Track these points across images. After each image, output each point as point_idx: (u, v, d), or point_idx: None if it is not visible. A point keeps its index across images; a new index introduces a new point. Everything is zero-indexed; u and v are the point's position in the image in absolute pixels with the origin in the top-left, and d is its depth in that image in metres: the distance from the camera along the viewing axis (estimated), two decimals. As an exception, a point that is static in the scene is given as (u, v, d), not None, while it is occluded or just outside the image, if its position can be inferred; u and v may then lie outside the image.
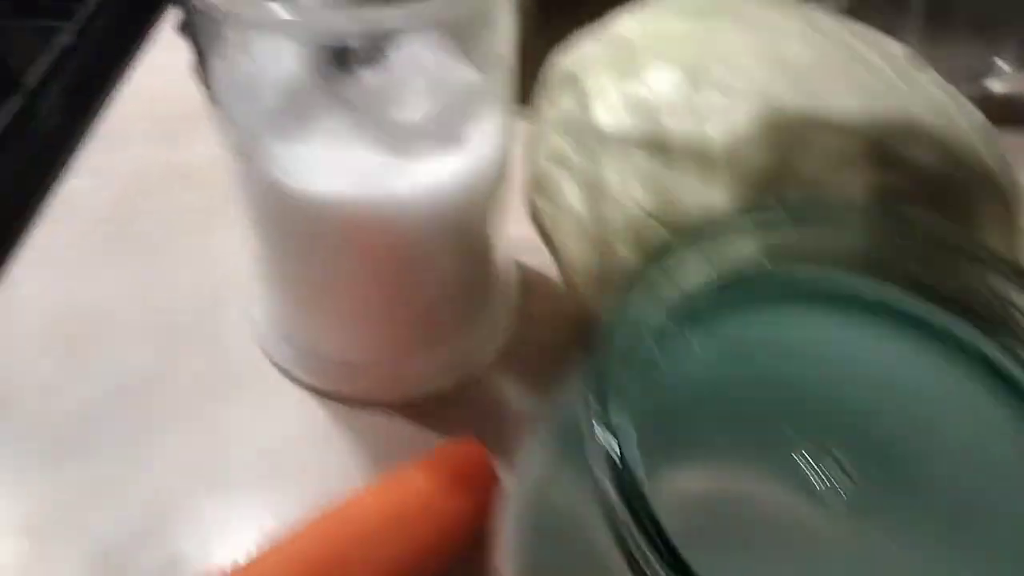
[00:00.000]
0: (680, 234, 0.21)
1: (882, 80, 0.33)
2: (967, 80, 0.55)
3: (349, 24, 0.28)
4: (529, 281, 0.45)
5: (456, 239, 0.36)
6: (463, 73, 0.33)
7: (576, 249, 0.35)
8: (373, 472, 0.38)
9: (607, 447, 0.18)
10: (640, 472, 0.18)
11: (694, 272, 0.22)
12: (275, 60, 0.33)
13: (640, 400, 0.20)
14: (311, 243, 0.34)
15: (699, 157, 0.31)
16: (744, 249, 0.24)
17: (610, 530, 0.18)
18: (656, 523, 0.17)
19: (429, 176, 0.33)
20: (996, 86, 0.57)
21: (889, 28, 0.53)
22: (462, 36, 0.33)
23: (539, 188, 0.37)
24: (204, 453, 0.39)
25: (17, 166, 0.50)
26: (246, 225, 0.38)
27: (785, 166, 0.31)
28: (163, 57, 0.60)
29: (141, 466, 0.38)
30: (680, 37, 0.34)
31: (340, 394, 0.40)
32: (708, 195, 0.31)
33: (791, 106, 0.31)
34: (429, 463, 0.34)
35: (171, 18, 0.62)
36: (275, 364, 0.41)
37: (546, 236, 0.38)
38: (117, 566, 0.35)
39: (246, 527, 0.36)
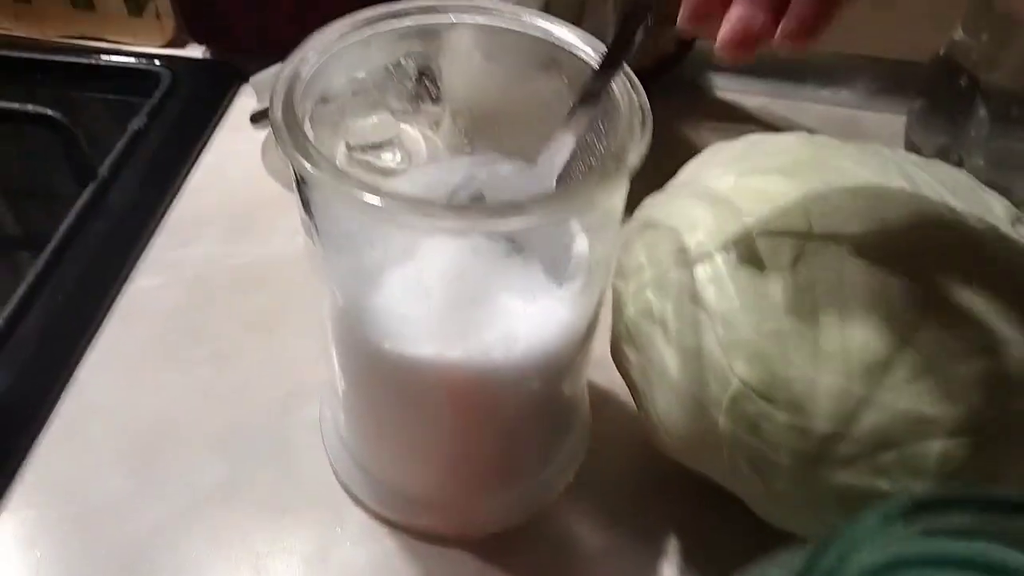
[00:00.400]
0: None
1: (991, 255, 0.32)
2: None
3: (464, 223, 0.28)
4: (600, 403, 0.45)
5: (546, 390, 0.36)
6: (579, 243, 0.33)
7: (667, 408, 0.35)
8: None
9: None
10: None
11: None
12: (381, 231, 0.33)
13: None
14: (401, 393, 0.34)
15: (808, 336, 0.31)
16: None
17: None
18: None
19: (531, 338, 0.32)
20: None
21: (965, 148, 0.53)
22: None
23: (628, 338, 0.36)
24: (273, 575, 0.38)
25: (89, 259, 0.51)
26: (333, 362, 0.38)
27: (897, 351, 0.30)
28: (235, 142, 0.60)
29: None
30: (784, 199, 0.34)
31: (409, 527, 0.40)
32: (816, 376, 0.31)
33: (902, 289, 0.31)
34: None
35: (244, 102, 0.63)
36: (346, 489, 0.41)
37: (631, 383, 0.37)
38: None
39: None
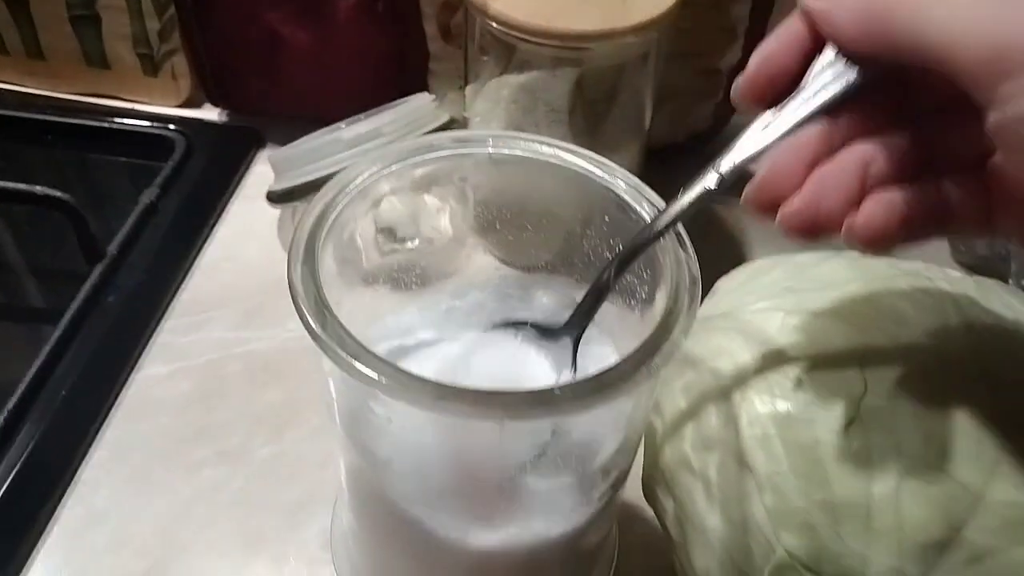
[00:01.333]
0: None
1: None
2: None
3: (478, 410, 0.25)
4: (627, 520, 0.42)
5: (575, 546, 0.34)
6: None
7: (704, 566, 0.33)
8: None
9: None
10: None
11: None
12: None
13: None
14: (416, 555, 0.32)
15: (862, 510, 0.29)
16: None
17: None
18: None
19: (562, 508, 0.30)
20: None
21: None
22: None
23: (664, 484, 0.34)
24: None
25: (95, 346, 0.49)
26: (344, 500, 0.36)
27: (954, 530, 0.28)
28: (251, 213, 0.58)
29: None
30: (837, 348, 0.32)
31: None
32: (867, 552, 0.29)
33: (964, 466, 0.29)
34: None
35: (261, 169, 0.61)
36: (355, 615, 0.39)
37: (664, 526, 0.36)
38: None
39: None
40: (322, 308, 0.26)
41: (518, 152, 0.32)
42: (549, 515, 0.31)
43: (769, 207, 0.25)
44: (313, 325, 0.26)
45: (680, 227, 0.29)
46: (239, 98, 0.65)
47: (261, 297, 0.53)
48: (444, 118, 0.52)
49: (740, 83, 0.26)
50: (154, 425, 0.47)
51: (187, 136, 0.62)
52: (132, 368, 0.49)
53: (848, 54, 0.25)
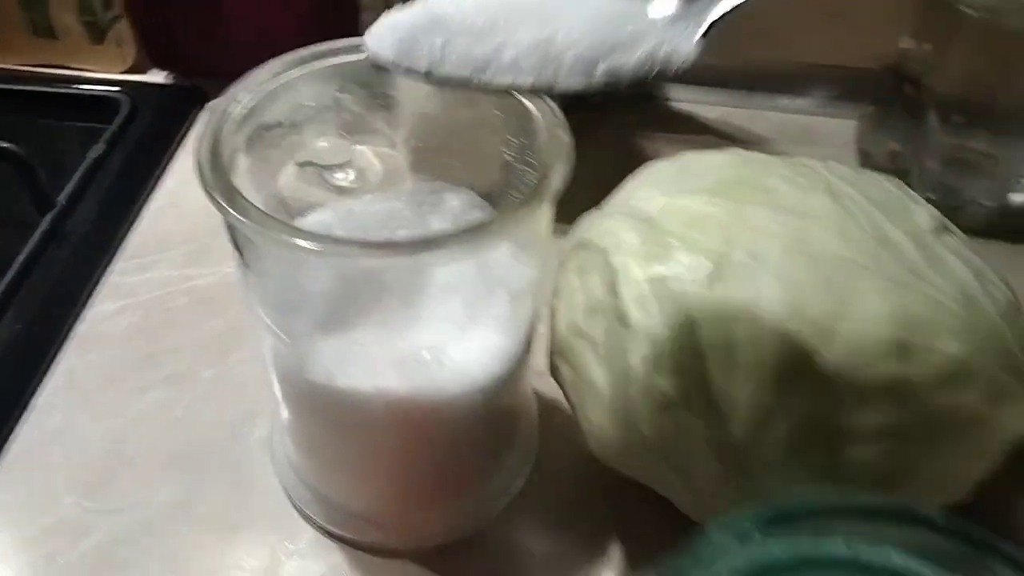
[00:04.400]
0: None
1: (908, 267, 0.34)
2: (991, 197, 0.57)
3: (388, 263, 0.29)
4: (548, 413, 0.46)
5: (485, 409, 0.37)
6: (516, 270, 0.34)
7: (598, 421, 0.36)
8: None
9: None
10: None
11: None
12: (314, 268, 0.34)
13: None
14: (338, 422, 0.35)
15: (724, 350, 0.32)
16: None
17: None
18: None
19: (470, 364, 0.34)
20: (1018, 199, 0.58)
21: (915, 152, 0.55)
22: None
23: (562, 354, 0.38)
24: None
25: (48, 287, 0.52)
26: (274, 389, 0.39)
27: (807, 360, 0.32)
28: (191, 172, 0.61)
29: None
30: (707, 221, 0.35)
31: (358, 542, 0.41)
32: (731, 387, 0.32)
33: (816, 303, 0.32)
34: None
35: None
36: (295, 506, 0.42)
37: (567, 396, 0.39)
38: None
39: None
40: (231, 189, 0.30)
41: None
42: (460, 360, 0.34)
43: None
44: (221, 200, 0.29)
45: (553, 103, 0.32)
46: (182, 60, 0.68)
47: (205, 239, 0.56)
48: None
49: None
50: (104, 355, 0.49)
51: (132, 97, 0.65)
52: (83, 306, 0.52)
53: None
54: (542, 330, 0.39)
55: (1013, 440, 0.35)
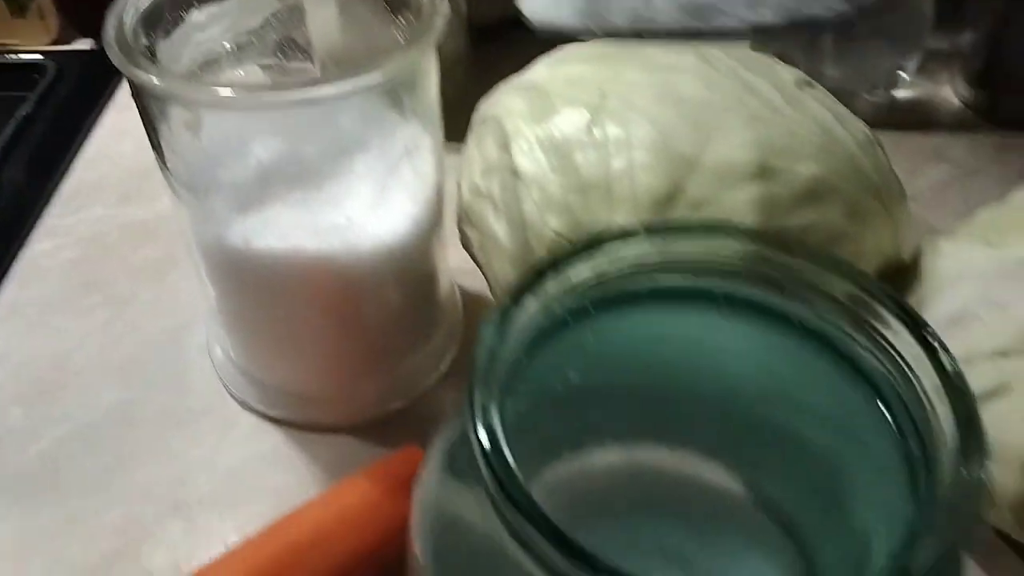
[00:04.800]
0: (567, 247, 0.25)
1: (769, 107, 0.38)
2: (875, 90, 0.61)
3: (287, 98, 0.32)
4: (472, 303, 0.49)
5: (401, 275, 0.40)
6: (399, 126, 0.38)
7: (502, 271, 0.39)
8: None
9: (480, 438, 0.22)
10: (510, 458, 0.21)
11: (578, 279, 0.26)
12: (223, 134, 0.37)
13: (520, 397, 0.24)
14: (265, 292, 0.38)
15: (604, 186, 0.36)
16: (627, 258, 0.28)
17: (494, 510, 0.21)
18: (527, 496, 0.20)
19: (377, 225, 0.37)
20: (900, 94, 0.62)
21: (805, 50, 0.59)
22: (396, 97, 0.38)
23: (467, 219, 0.41)
24: (170, 480, 0.42)
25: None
26: (201, 271, 0.41)
27: (678, 189, 0.35)
28: (125, 120, 0.64)
29: (112, 496, 0.41)
30: (585, 80, 0.39)
31: (294, 421, 0.44)
32: (613, 218, 0.35)
33: (684, 138, 0.36)
34: (374, 470, 0.37)
35: (128, 93, 0.66)
36: (234, 396, 0.45)
37: (477, 260, 0.42)
38: (93, 586, 0.38)
39: (212, 544, 0.39)
40: (140, 53, 0.33)
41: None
42: (365, 219, 0.37)
43: None
44: (132, 63, 0.32)
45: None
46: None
47: (136, 182, 0.59)
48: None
49: None
50: (45, 287, 0.52)
51: (58, 62, 0.67)
52: (20, 247, 0.54)
53: None
54: (451, 209, 0.43)
55: (880, 259, 0.39)
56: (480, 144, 0.40)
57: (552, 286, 0.24)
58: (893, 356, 0.23)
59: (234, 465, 0.42)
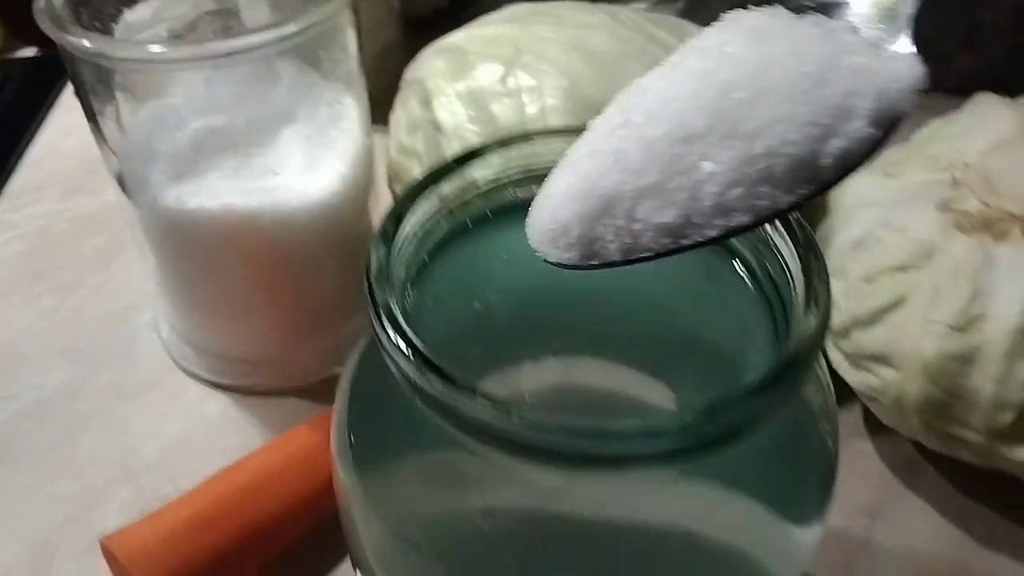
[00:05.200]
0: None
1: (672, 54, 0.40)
2: None
3: (207, 51, 0.33)
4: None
5: (334, 236, 0.41)
6: (325, 90, 0.39)
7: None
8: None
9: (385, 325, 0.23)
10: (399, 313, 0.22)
11: (472, 183, 0.27)
12: (159, 105, 0.38)
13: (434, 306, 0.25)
14: (199, 254, 0.39)
15: (521, 136, 0.37)
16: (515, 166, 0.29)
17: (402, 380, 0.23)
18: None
19: (307, 184, 0.38)
20: None
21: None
22: (315, 55, 0.39)
23: (396, 177, 0.43)
24: (120, 449, 0.43)
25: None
26: (145, 248, 0.43)
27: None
28: (70, 119, 0.65)
29: (63, 467, 0.42)
30: (501, 39, 0.41)
31: (240, 387, 0.45)
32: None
33: (591, 84, 0.38)
34: (317, 421, 0.39)
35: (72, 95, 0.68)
36: (180, 367, 0.46)
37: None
38: (50, 548, 0.39)
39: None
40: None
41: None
42: (290, 178, 0.38)
43: None
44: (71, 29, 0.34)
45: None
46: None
47: (82, 177, 0.60)
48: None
49: None
50: (-7, 278, 0.53)
51: (3, 70, 0.68)
52: (-32, 242, 0.55)
53: None
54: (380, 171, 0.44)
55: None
56: (405, 105, 0.42)
57: (447, 188, 0.25)
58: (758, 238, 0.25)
59: (182, 432, 0.44)
